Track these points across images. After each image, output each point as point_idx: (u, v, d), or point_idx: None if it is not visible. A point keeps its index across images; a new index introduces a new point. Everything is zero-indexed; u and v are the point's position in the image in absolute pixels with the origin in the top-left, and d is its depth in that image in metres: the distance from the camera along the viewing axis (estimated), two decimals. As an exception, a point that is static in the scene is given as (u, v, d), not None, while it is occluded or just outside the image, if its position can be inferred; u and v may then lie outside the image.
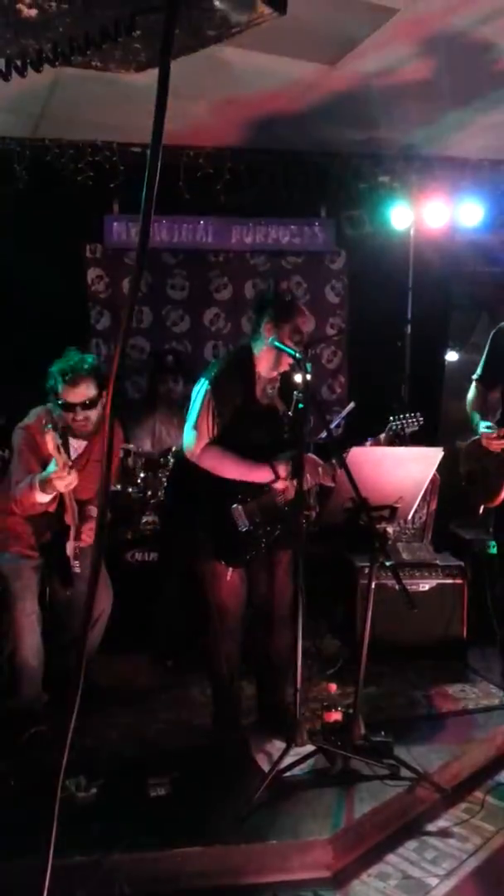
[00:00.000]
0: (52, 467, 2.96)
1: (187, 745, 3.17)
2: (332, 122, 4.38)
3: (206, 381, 3.01)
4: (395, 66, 3.64)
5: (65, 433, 3.22)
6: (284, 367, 3.07)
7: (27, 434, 3.18)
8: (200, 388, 3.02)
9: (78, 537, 3.23)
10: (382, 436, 3.27)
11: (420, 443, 3.53)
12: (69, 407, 3.19)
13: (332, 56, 3.53)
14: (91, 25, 0.76)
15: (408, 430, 3.32)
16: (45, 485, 2.98)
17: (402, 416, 3.33)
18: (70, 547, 3.20)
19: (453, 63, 3.62)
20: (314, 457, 3.14)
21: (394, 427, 3.29)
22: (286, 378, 3.15)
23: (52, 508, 3.12)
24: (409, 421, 3.31)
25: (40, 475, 3.00)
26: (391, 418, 3.32)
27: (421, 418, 3.34)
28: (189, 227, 5.18)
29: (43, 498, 3.03)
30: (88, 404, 3.21)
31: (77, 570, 3.21)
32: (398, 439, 3.31)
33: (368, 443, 3.24)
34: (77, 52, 0.78)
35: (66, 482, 2.98)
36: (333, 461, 3.01)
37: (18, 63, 0.79)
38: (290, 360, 2.99)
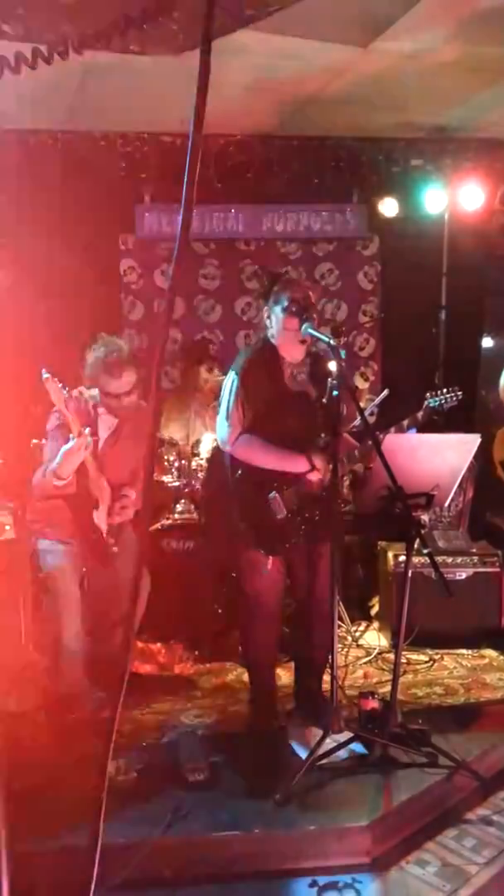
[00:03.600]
0: (64, 448, 2.99)
1: (224, 731, 3.19)
2: (364, 106, 4.32)
3: (234, 373, 3.02)
4: (429, 46, 3.58)
5: (95, 409, 3.28)
6: (301, 348, 3.02)
7: (58, 416, 3.22)
8: (229, 380, 3.03)
9: (110, 515, 3.27)
10: (420, 413, 3.18)
11: (456, 429, 3.48)
12: (110, 395, 3.23)
13: (364, 38, 3.48)
14: (130, 8, 0.76)
15: (447, 407, 3.22)
16: (59, 468, 3.00)
17: (439, 392, 3.21)
18: (102, 522, 3.24)
19: (487, 42, 3.54)
20: (350, 439, 3.11)
21: (432, 404, 3.20)
22: (318, 363, 3.13)
23: (72, 490, 3.13)
24: (448, 397, 3.20)
25: (53, 462, 3.03)
26: (427, 395, 3.22)
27: (460, 393, 3.20)
28: (220, 216, 5.17)
29: (59, 482, 3.05)
30: (130, 391, 3.25)
31: (115, 548, 3.26)
32: (437, 416, 3.21)
33: (392, 430, 3.17)
34: (116, 35, 0.78)
35: (79, 452, 2.98)
36: (370, 442, 2.98)
37: (60, 48, 0.79)
38: (305, 341, 2.97)
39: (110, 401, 3.27)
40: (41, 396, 3.37)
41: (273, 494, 2.97)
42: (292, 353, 3.05)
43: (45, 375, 2.92)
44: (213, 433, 4.37)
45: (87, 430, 3.08)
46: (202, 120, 0.69)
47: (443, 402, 3.19)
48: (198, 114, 0.67)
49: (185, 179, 0.72)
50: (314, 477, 2.98)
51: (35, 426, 3.57)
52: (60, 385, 2.97)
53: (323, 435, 2.99)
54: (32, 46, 0.81)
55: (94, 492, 3.22)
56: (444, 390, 3.22)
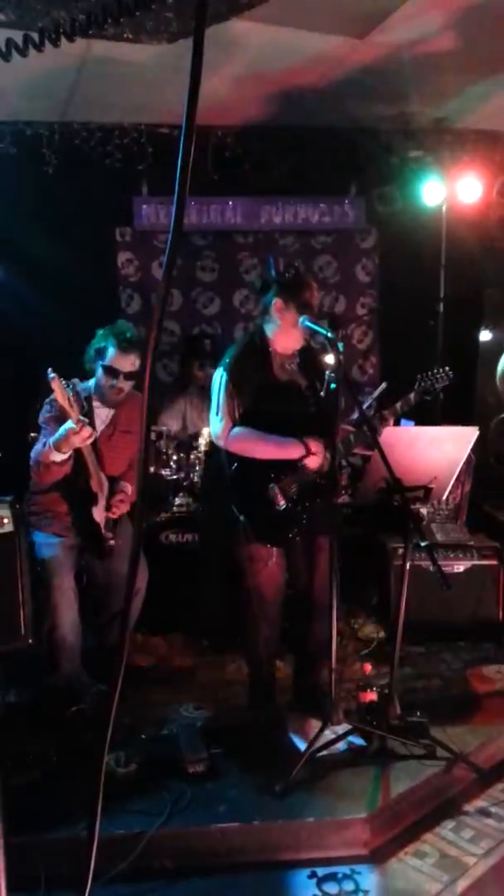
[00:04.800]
0: (67, 425, 3.00)
1: (224, 723, 3.20)
2: (362, 97, 4.31)
3: (223, 368, 3.02)
4: (426, 37, 3.56)
5: (89, 402, 3.28)
6: (300, 342, 3.04)
7: (52, 407, 3.22)
8: (219, 376, 3.03)
9: (108, 509, 3.28)
10: (412, 395, 3.16)
11: (454, 422, 3.47)
12: (114, 373, 3.23)
13: (361, 29, 3.46)
14: (124, -6, 0.75)
15: (438, 386, 3.19)
16: (61, 442, 3.00)
17: (430, 372, 3.19)
18: (100, 517, 3.25)
19: (485, 33, 3.52)
20: (346, 426, 3.12)
21: (423, 384, 3.17)
22: (307, 353, 3.14)
23: (67, 469, 3.13)
24: (439, 376, 3.17)
25: (55, 436, 3.04)
26: (419, 376, 3.20)
27: (451, 372, 3.19)
28: (218, 208, 5.16)
29: (57, 457, 3.04)
30: (130, 375, 3.26)
31: (112, 542, 3.27)
32: (428, 396, 3.21)
33: (387, 413, 3.16)
34: (110, 21, 0.77)
35: (82, 437, 3.00)
36: (365, 428, 2.97)
37: (52, 35, 0.78)
38: (307, 335, 2.97)
39: (108, 381, 3.26)
40: (39, 390, 3.37)
41: (272, 486, 2.97)
42: (287, 345, 3.05)
43: (51, 375, 2.92)
44: (208, 426, 4.38)
45: (86, 421, 3.08)
46: (195, 106, 0.68)
47: (434, 381, 3.17)
48: (191, 100, 0.66)
49: (179, 168, 0.72)
50: (311, 462, 2.97)
51: (33, 420, 3.57)
52: (65, 383, 2.97)
53: (315, 424, 2.98)
54: (24, 33, 0.80)
55: (93, 487, 3.22)
56: (436, 370, 3.20)
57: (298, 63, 3.80)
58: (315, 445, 2.95)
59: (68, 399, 2.96)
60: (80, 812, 2.52)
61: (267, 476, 2.98)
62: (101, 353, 3.27)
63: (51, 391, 3.00)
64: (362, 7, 3.25)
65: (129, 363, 3.25)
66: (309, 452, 2.96)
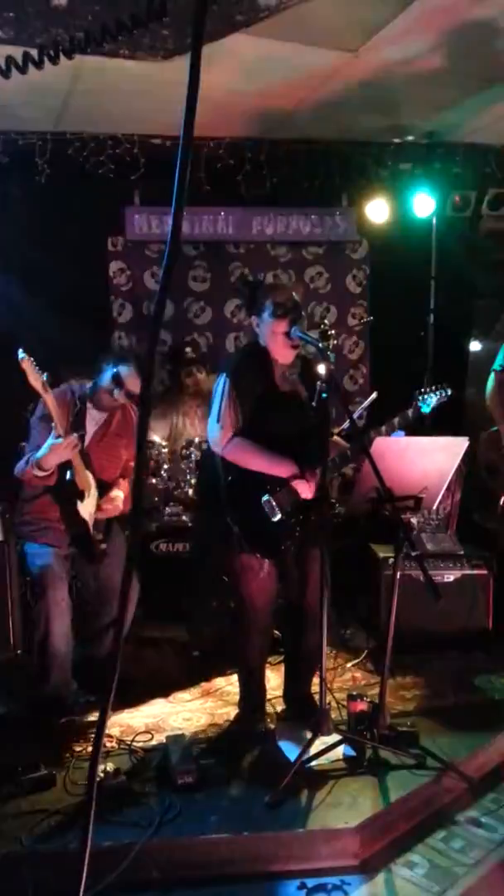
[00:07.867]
0: (50, 441, 3.02)
1: (214, 734, 3.19)
2: (354, 110, 4.35)
3: (225, 375, 3.03)
4: (418, 52, 3.60)
5: (83, 402, 3.32)
6: (291, 353, 3.05)
7: (44, 406, 3.23)
8: (220, 383, 3.04)
9: (98, 509, 3.28)
10: (409, 411, 3.16)
11: (444, 432, 3.49)
12: (120, 384, 3.27)
13: (353, 43, 3.50)
14: (122, 11, 0.76)
15: (436, 403, 3.19)
16: (43, 459, 3.04)
17: (428, 388, 3.20)
18: (87, 514, 3.25)
19: (475, 49, 3.57)
20: (340, 441, 3.13)
21: (423, 409, 3.19)
22: (307, 366, 3.15)
23: (52, 481, 3.16)
24: (438, 394, 3.18)
25: (38, 452, 3.06)
26: (416, 392, 3.19)
27: (449, 389, 3.19)
28: (210, 219, 5.17)
29: (40, 473, 3.09)
30: (130, 395, 3.30)
31: (103, 546, 3.27)
32: (425, 413, 3.21)
33: (384, 428, 3.16)
34: (108, 38, 0.78)
35: (61, 453, 3.03)
36: (356, 445, 2.99)
37: (51, 52, 0.79)
38: (296, 344, 2.99)
39: (111, 387, 3.28)
40: (30, 398, 3.37)
41: (266, 497, 2.98)
42: (283, 355, 3.07)
43: (22, 356, 2.92)
44: (200, 435, 4.39)
45: (75, 435, 3.10)
46: (192, 127, 0.69)
47: (433, 397, 3.17)
48: (187, 122, 0.67)
49: (176, 187, 0.73)
50: (301, 488, 2.97)
51: (24, 428, 3.57)
52: (37, 368, 2.97)
53: (313, 436, 2.99)
54: (23, 50, 0.81)
55: (78, 483, 3.22)
56: (433, 387, 3.21)
57: (291, 76, 3.83)
58: (310, 475, 2.96)
59: (41, 382, 2.97)
60: (69, 823, 2.51)
61: (262, 488, 2.98)
62: (117, 363, 3.31)
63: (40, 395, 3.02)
64: (355, 21, 3.28)
65: (135, 385, 3.28)
66: (301, 476, 2.96)
